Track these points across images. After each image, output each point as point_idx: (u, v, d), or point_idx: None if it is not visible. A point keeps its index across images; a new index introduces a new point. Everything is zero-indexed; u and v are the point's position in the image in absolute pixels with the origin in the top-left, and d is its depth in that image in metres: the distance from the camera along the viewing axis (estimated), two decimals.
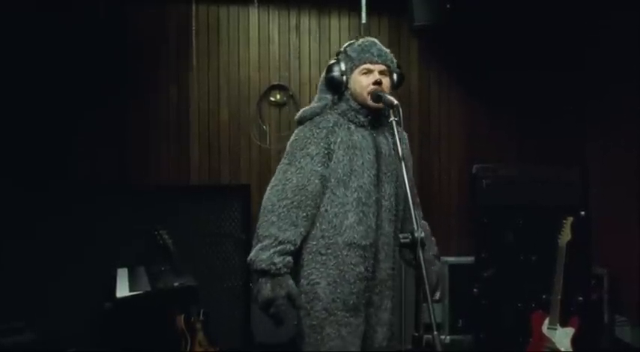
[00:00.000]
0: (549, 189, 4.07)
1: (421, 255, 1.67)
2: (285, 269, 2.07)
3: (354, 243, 2.13)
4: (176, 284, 3.58)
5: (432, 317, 1.58)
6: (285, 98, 4.63)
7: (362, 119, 2.21)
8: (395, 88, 2.29)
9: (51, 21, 4.14)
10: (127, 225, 4.17)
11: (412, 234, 1.70)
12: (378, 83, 2.16)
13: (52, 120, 4.20)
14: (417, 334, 1.77)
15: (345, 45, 2.29)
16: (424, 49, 4.84)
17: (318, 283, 2.14)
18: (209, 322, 3.71)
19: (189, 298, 3.61)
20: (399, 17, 4.72)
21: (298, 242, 2.12)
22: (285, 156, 2.23)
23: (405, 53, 4.81)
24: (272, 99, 4.64)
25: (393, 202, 2.21)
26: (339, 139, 2.16)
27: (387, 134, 2.26)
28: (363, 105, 2.20)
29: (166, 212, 4.24)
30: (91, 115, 4.31)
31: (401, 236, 1.73)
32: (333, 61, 2.25)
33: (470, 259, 4.26)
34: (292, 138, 2.24)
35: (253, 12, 4.59)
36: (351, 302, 2.13)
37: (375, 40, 2.27)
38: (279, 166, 2.24)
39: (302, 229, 2.12)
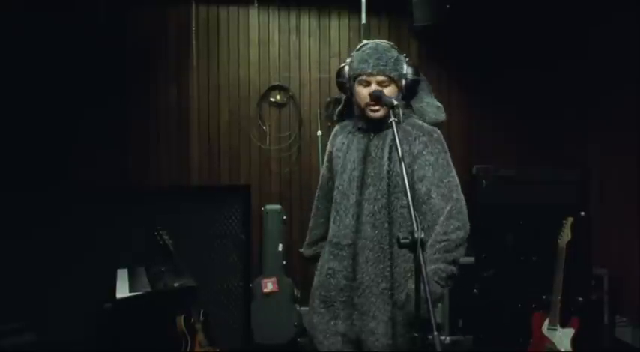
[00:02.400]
0: (549, 189, 4.07)
1: (421, 256, 1.66)
2: (309, 251, 2.48)
3: (330, 241, 2.25)
4: (176, 284, 3.59)
5: (432, 317, 1.58)
6: (285, 98, 4.63)
7: (360, 125, 2.25)
8: (406, 95, 2.22)
9: (51, 22, 4.14)
10: (128, 225, 4.17)
11: (412, 234, 1.69)
12: (373, 96, 2.12)
13: (53, 122, 4.20)
14: (416, 334, 1.77)
15: (357, 47, 2.26)
16: (424, 49, 4.84)
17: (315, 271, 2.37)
18: (209, 322, 3.71)
19: (189, 298, 3.62)
20: (399, 17, 4.72)
21: (321, 230, 2.40)
22: None
23: (405, 53, 4.80)
24: (272, 99, 4.64)
25: (378, 207, 2.14)
26: (336, 141, 2.32)
27: (385, 138, 2.20)
28: (363, 115, 2.21)
29: (166, 212, 4.23)
30: (91, 116, 4.32)
31: (401, 236, 1.71)
32: (343, 65, 2.26)
33: (470, 259, 4.25)
34: None
35: (253, 12, 4.59)
36: (323, 293, 2.24)
37: (379, 46, 2.21)
38: None
39: (322, 219, 2.41)
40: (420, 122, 2.23)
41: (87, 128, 4.32)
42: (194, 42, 4.48)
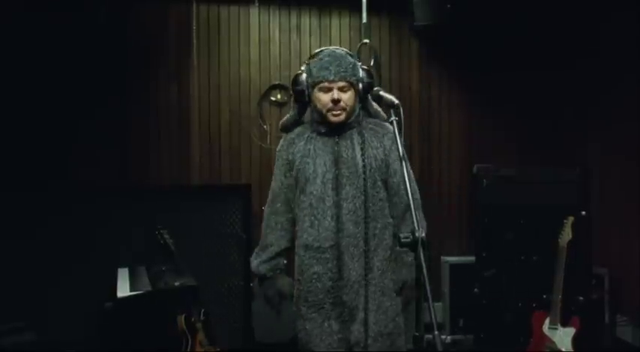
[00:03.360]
0: (550, 188, 4.07)
1: (422, 256, 1.67)
2: (271, 273, 2.43)
3: (307, 245, 2.29)
4: (177, 284, 3.59)
5: (433, 316, 1.58)
6: (285, 98, 4.63)
7: (322, 130, 2.31)
8: (362, 97, 2.30)
9: (51, 22, 4.13)
10: (128, 224, 4.17)
11: (413, 233, 1.70)
12: (335, 102, 2.21)
13: (53, 121, 4.20)
14: (417, 334, 1.77)
15: (313, 53, 2.33)
16: (425, 49, 4.84)
17: (295, 279, 2.41)
18: (210, 322, 3.71)
19: (189, 298, 3.62)
20: (400, 17, 4.72)
21: (283, 243, 2.42)
22: None
23: (406, 53, 4.81)
24: (273, 98, 4.64)
25: (358, 204, 2.24)
26: (296, 149, 2.35)
27: (355, 136, 2.30)
28: (323, 120, 2.27)
29: (167, 212, 4.24)
30: (91, 115, 4.31)
31: (401, 235, 1.72)
32: (298, 72, 2.32)
33: (470, 259, 4.25)
34: None
35: (254, 11, 4.59)
36: (310, 299, 2.29)
37: (337, 53, 2.27)
38: None
39: (282, 232, 2.41)
40: (379, 121, 2.38)
41: (87, 128, 4.32)
42: (195, 41, 4.48)
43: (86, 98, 4.28)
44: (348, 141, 2.29)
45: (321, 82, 2.22)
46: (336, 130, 2.29)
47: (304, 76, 2.29)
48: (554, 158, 4.64)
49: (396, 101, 2.00)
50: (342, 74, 2.21)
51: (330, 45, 4.64)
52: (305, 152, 2.31)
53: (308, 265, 2.28)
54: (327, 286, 2.25)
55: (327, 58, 2.24)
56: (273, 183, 2.44)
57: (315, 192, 2.26)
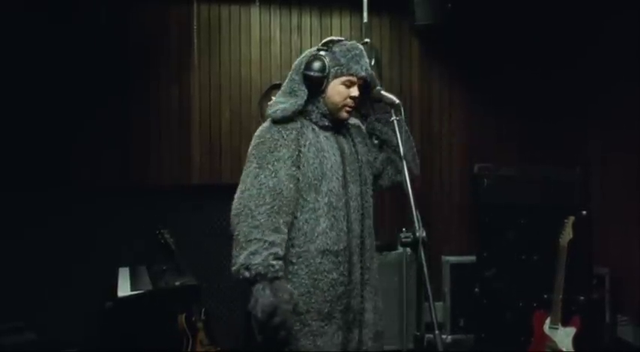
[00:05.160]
0: (550, 188, 4.07)
1: (422, 255, 1.67)
2: (282, 273, 1.91)
3: (327, 250, 2.02)
4: (177, 283, 3.59)
5: (434, 316, 1.58)
6: None
7: (326, 123, 2.13)
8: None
9: (52, 22, 4.14)
10: (129, 224, 4.17)
11: (413, 233, 1.70)
12: (354, 99, 2.09)
13: (54, 121, 4.20)
14: (418, 333, 1.77)
15: (331, 39, 2.13)
16: (425, 49, 4.84)
17: (301, 293, 2.03)
18: (210, 321, 3.71)
19: (190, 297, 3.62)
20: (401, 16, 4.72)
21: (283, 248, 1.96)
22: (251, 159, 2.04)
23: (406, 52, 4.81)
24: (273, 98, 4.63)
25: (359, 201, 2.12)
26: (307, 142, 2.05)
27: (345, 133, 2.19)
28: (332, 113, 2.11)
29: (168, 211, 4.24)
30: (92, 116, 4.31)
31: (402, 235, 1.72)
32: (317, 56, 2.07)
33: (471, 258, 4.26)
34: (257, 140, 2.07)
35: (255, 11, 4.59)
36: (326, 310, 2.03)
37: (362, 48, 2.13)
38: (246, 170, 2.05)
39: (283, 235, 1.97)
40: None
41: (88, 128, 4.31)
42: (195, 41, 4.48)
43: (87, 98, 4.27)
44: (342, 137, 2.17)
45: (351, 75, 2.06)
46: (337, 125, 2.16)
47: (326, 61, 2.05)
48: (554, 157, 4.64)
49: (397, 100, 1.99)
50: (368, 72, 2.09)
51: None
52: (319, 145, 2.06)
53: (326, 272, 2.02)
54: (339, 292, 2.05)
55: (356, 51, 2.08)
56: (271, 178, 1.98)
57: (334, 190, 2.05)
